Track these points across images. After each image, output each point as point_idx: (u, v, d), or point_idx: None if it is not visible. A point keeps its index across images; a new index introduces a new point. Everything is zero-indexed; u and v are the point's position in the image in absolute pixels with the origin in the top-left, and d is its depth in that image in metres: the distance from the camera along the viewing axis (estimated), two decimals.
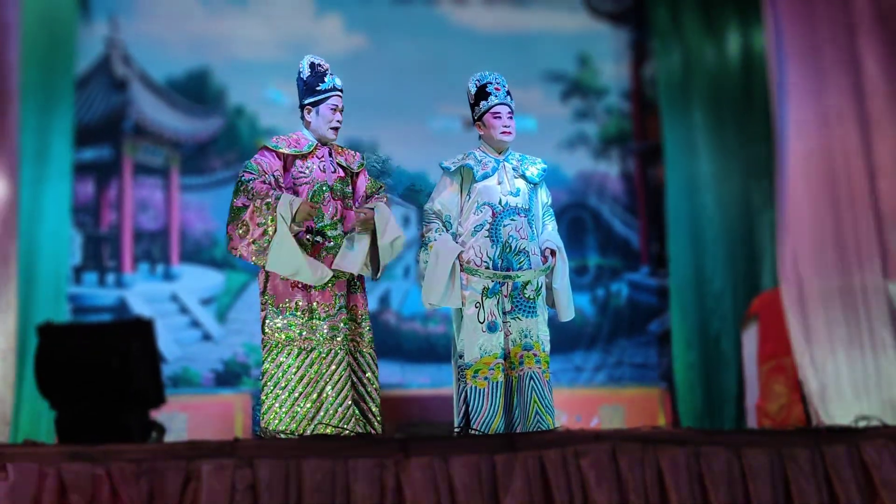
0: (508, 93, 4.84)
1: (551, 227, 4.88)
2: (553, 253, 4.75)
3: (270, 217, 4.41)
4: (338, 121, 4.68)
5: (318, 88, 4.68)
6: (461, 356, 4.66)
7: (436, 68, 8.48)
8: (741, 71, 8.52)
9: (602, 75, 8.96)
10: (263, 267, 4.52)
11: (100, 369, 3.74)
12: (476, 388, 4.58)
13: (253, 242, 4.45)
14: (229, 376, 7.94)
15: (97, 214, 8.03)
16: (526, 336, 4.63)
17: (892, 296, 7.13)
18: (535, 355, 4.62)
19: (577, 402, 8.15)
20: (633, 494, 3.52)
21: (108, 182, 8.05)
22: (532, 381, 4.59)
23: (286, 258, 4.44)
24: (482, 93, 4.81)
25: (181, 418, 7.41)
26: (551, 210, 4.94)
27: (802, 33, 7.50)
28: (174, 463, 3.34)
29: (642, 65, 8.97)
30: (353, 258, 4.59)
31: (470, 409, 4.58)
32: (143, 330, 3.81)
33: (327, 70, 4.73)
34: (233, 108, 8.32)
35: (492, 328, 4.60)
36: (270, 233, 4.41)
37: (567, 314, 4.79)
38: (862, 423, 4.35)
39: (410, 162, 8.40)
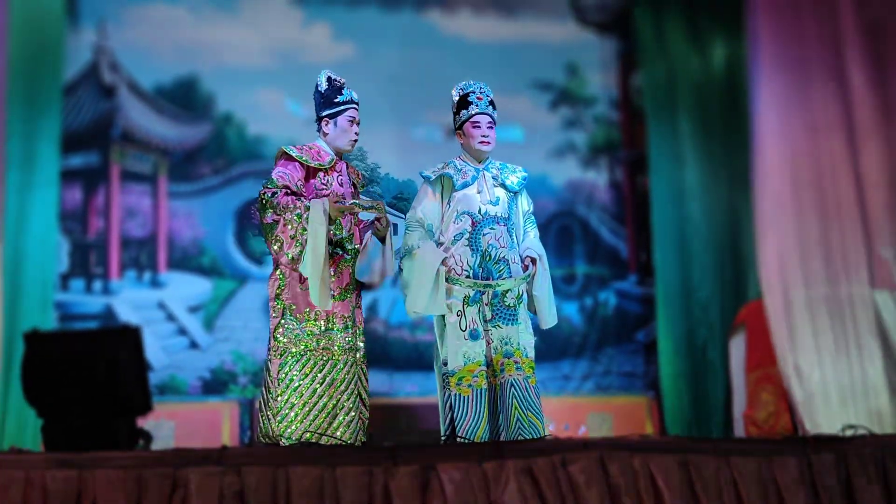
0: (491, 102, 4.87)
1: (533, 234, 4.91)
2: (534, 261, 4.77)
3: (301, 228, 4.50)
4: (355, 133, 4.81)
5: (335, 101, 4.79)
6: (445, 363, 4.69)
7: (424, 77, 8.48)
8: (727, 80, 8.56)
9: (590, 84, 8.98)
10: (301, 273, 4.57)
11: (87, 377, 3.73)
12: (460, 395, 4.60)
13: (287, 255, 4.51)
14: (217, 384, 7.91)
15: (84, 221, 8.00)
16: (507, 343, 4.65)
17: (878, 305, 7.16)
18: (515, 362, 4.64)
19: (564, 411, 8.14)
20: (626, 497, 3.53)
21: (96, 189, 8.03)
22: (513, 388, 4.60)
23: (312, 268, 4.51)
24: (464, 101, 4.85)
25: (168, 426, 7.38)
26: (533, 217, 4.97)
27: (789, 44, 7.54)
28: (161, 470, 3.33)
29: (630, 74, 8.99)
30: (386, 264, 4.77)
31: (455, 416, 4.59)
32: (130, 337, 3.81)
33: (344, 84, 4.85)
34: (221, 115, 8.30)
35: (474, 336, 4.64)
36: (304, 241, 4.49)
37: (548, 321, 4.82)
38: (849, 432, 4.37)
39: (398, 170, 8.41)
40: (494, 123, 4.87)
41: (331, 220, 4.55)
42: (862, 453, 3.87)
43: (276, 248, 4.56)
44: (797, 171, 7.41)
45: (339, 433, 4.51)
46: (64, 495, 3.28)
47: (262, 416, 4.63)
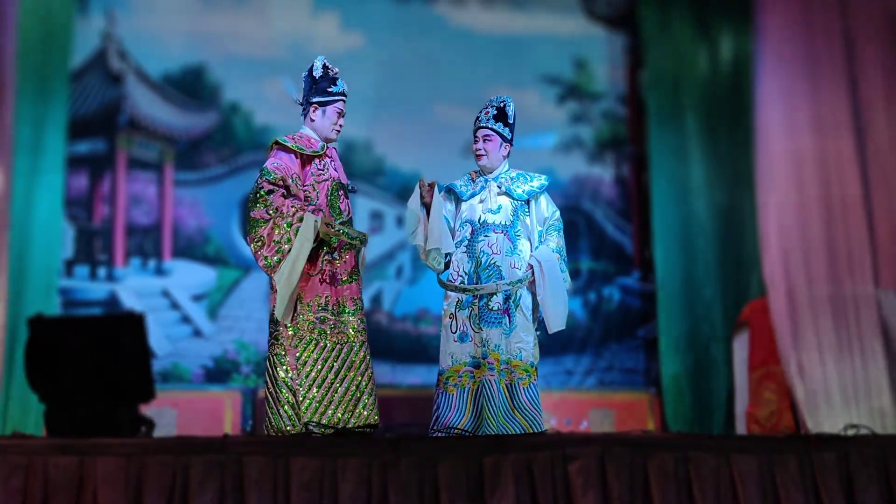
0: (498, 115, 4.96)
1: (552, 243, 4.97)
2: (533, 269, 4.90)
3: (287, 237, 4.50)
4: (340, 125, 4.86)
5: (329, 90, 4.83)
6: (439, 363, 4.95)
7: (432, 69, 8.47)
8: (734, 77, 8.51)
9: (598, 79, 8.96)
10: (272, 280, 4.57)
11: (90, 363, 3.73)
12: (446, 393, 4.84)
13: (264, 258, 4.51)
14: (219, 373, 7.92)
15: (90, 208, 8.01)
16: (484, 346, 4.82)
17: (882, 304, 7.15)
18: (489, 364, 4.79)
19: (566, 406, 8.15)
20: (619, 501, 3.53)
21: (102, 176, 8.03)
22: (484, 389, 4.78)
23: (287, 279, 4.50)
24: (475, 120, 4.99)
25: (170, 414, 7.39)
26: (557, 225, 5.05)
27: (798, 40, 7.52)
28: (163, 458, 3.34)
29: (638, 70, 8.96)
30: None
31: (439, 412, 4.82)
32: (134, 324, 3.81)
33: (338, 75, 4.87)
34: (228, 104, 8.30)
35: (462, 338, 4.86)
36: (285, 250, 4.50)
37: (552, 326, 4.89)
38: (851, 432, 4.36)
39: (405, 162, 8.41)
40: (498, 135, 4.98)
41: (317, 239, 4.56)
42: (863, 453, 3.87)
43: (255, 245, 4.54)
44: (803, 170, 7.40)
45: (364, 414, 4.56)
46: (65, 481, 3.29)
47: (272, 410, 4.58)
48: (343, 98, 4.83)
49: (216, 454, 3.38)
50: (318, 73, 4.82)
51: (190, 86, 8.25)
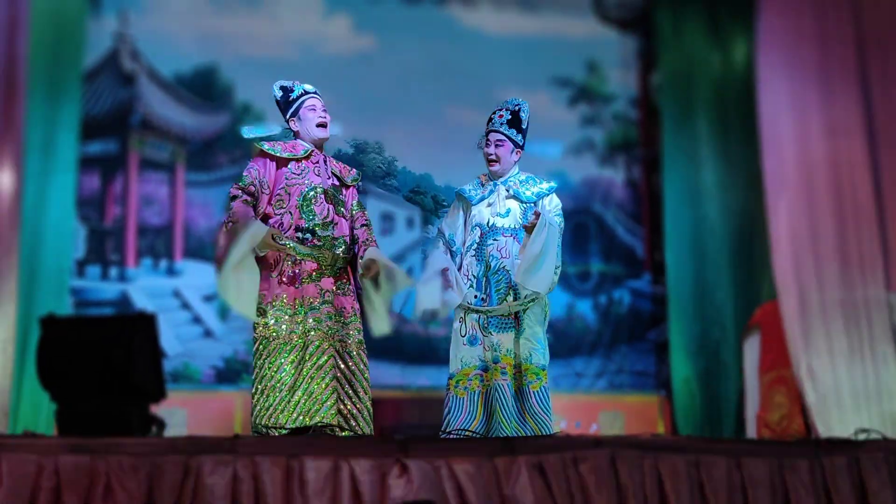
0: (512, 120, 4.95)
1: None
2: (537, 214, 4.80)
3: (230, 241, 4.53)
4: (321, 117, 4.83)
5: (290, 99, 4.88)
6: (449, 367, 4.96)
7: (444, 70, 8.48)
8: (746, 79, 8.50)
9: (610, 82, 8.95)
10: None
11: (101, 363, 3.74)
12: (456, 396, 4.87)
13: (216, 261, 4.55)
14: (230, 373, 7.93)
15: (102, 208, 8.03)
16: (495, 350, 4.83)
17: (893, 308, 7.14)
18: (501, 368, 4.80)
19: (576, 408, 8.14)
20: (633, 500, 3.52)
21: (114, 176, 8.05)
22: (496, 392, 4.80)
23: (231, 284, 4.53)
24: (488, 120, 4.99)
25: (181, 414, 7.41)
26: (557, 212, 5.03)
27: (808, 45, 7.51)
28: (174, 458, 3.35)
29: (650, 72, 8.96)
30: (381, 317, 4.75)
31: (450, 415, 4.85)
32: (145, 324, 3.81)
33: (294, 83, 4.91)
34: (240, 105, 8.32)
35: (472, 342, 4.88)
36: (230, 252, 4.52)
37: (529, 282, 4.76)
38: (862, 436, 4.35)
39: (416, 163, 8.41)
40: (510, 141, 4.97)
41: (264, 247, 4.58)
42: (875, 457, 3.86)
43: (217, 250, 4.60)
44: (814, 174, 7.40)
45: (324, 414, 4.50)
46: (76, 480, 3.30)
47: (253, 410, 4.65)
48: (308, 96, 4.84)
49: (227, 454, 3.38)
50: (278, 95, 4.91)
51: (202, 86, 8.26)
